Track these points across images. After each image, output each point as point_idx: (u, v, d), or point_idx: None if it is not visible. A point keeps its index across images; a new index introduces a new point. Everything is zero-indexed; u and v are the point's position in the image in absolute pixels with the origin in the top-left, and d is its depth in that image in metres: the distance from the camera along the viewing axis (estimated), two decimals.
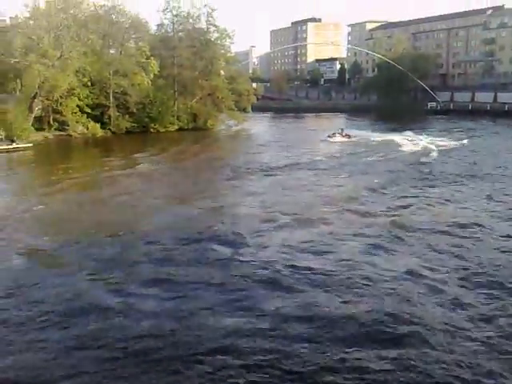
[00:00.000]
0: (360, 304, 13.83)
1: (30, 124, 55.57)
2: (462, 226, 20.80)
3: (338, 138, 53.31)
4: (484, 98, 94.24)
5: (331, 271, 16.15)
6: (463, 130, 62.97)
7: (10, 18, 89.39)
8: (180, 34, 71.53)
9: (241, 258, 17.55)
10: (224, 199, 28.08)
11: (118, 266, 17.00)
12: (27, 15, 61.08)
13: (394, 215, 22.87)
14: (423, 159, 40.07)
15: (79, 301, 14.15)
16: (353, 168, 36.87)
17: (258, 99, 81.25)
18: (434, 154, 42.50)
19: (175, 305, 13.97)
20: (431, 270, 16.20)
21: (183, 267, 16.75)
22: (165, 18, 70.53)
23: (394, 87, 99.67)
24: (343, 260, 17.17)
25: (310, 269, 16.31)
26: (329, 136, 53.83)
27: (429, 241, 19.11)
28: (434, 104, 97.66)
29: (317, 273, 15.96)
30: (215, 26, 71.71)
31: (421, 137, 54.02)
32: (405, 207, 24.54)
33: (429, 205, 24.90)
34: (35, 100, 57.26)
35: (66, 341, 12.11)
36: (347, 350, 11.55)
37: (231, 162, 41.46)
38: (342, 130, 55.96)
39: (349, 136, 54.38)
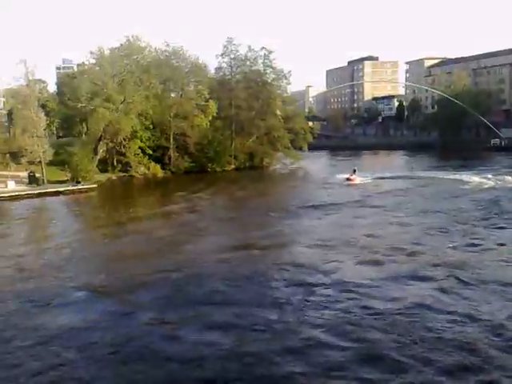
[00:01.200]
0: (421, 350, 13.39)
1: (95, 166, 58.05)
2: None
3: (356, 181, 49.67)
4: None
5: (390, 314, 15.71)
6: None
7: (77, 65, 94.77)
8: (237, 76, 73.69)
9: (301, 299, 17.35)
10: (283, 237, 27.96)
11: (177, 306, 17.04)
12: (93, 62, 64.74)
13: (455, 257, 22.06)
14: (487, 198, 38.69)
15: (134, 344, 14.18)
16: (413, 206, 36.05)
17: (314, 137, 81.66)
18: (500, 193, 40.98)
19: (235, 351, 13.66)
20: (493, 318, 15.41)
21: (243, 308, 16.61)
22: (223, 62, 73.06)
23: (455, 124, 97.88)
24: (403, 304, 16.62)
25: (371, 310, 15.97)
26: (347, 179, 50.41)
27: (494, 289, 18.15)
28: (497, 141, 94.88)
29: (378, 314, 15.60)
30: (272, 67, 73.57)
31: (484, 174, 52.42)
32: (468, 249, 23.57)
33: (494, 248, 23.83)
34: (100, 143, 60.00)
35: None
36: None
37: (288, 200, 41.79)
38: (355, 170, 52.17)
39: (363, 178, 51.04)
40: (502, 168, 60.86)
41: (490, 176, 50.91)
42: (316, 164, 76.67)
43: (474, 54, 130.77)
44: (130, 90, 59.85)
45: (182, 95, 69.58)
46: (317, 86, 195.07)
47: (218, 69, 74.45)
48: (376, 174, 54.70)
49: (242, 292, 18.39)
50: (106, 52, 63.41)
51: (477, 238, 25.50)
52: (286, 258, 22.87)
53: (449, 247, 23.86)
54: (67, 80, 79.84)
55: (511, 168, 60.03)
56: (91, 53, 63.23)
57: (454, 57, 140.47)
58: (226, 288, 18.78)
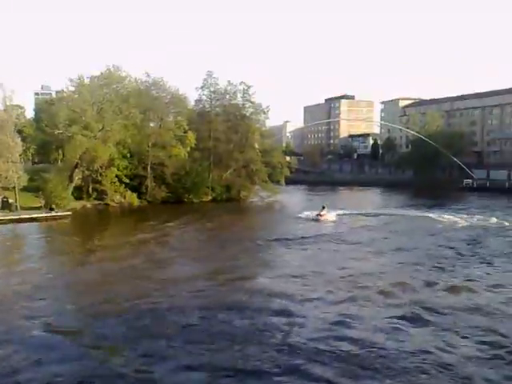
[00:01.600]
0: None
1: (70, 193, 57.26)
2: (488, 310, 19.80)
3: (325, 217, 48.39)
4: None
5: (350, 350, 15.66)
6: (499, 209, 61.67)
7: (56, 91, 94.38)
8: (217, 109, 74.28)
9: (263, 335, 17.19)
10: (250, 270, 27.85)
11: (143, 340, 16.60)
12: (72, 89, 64.48)
13: (419, 295, 22.10)
14: (459, 237, 39.07)
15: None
16: (382, 242, 36.23)
17: (291, 172, 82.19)
18: (470, 233, 41.36)
19: None
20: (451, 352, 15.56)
21: (212, 341, 16.31)
22: (203, 94, 73.66)
23: (429, 163, 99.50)
24: (364, 340, 16.59)
25: (331, 347, 15.91)
26: (318, 215, 48.96)
27: (454, 323, 18.40)
28: (469, 181, 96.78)
29: (336, 351, 15.55)
30: (251, 101, 74.36)
31: (457, 214, 53.11)
32: (431, 286, 23.70)
33: (459, 285, 23.92)
34: (76, 170, 59.34)
35: None
36: None
37: (261, 233, 41.66)
38: (324, 207, 50.50)
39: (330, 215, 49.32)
40: (473, 208, 61.78)
41: (462, 215, 51.60)
42: (293, 198, 76.81)
43: (447, 96, 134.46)
44: (109, 119, 59.65)
45: (161, 125, 69.65)
46: (294, 121, 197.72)
47: (198, 101, 75.13)
48: (349, 210, 54.91)
49: (209, 324, 18.09)
50: (86, 80, 63.49)
51: (444, 275, 25.77)
52: (252, 290, 22.82)
53: (416, 284, 23.94)
54: (45, 106, 79.40)
55: (482, 208, 61.14)
56: (71, 80, 63.21)
57: (428, 98, 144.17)
58: (192, 320, 18.54)
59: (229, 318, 18.83)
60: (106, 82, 63.21)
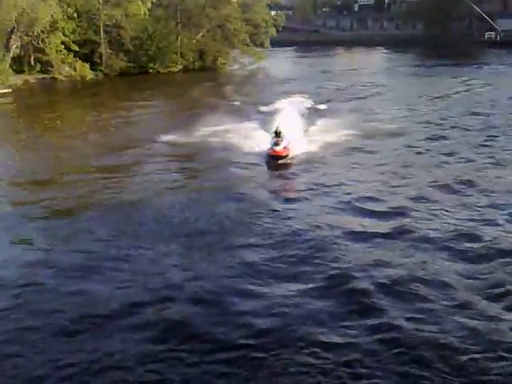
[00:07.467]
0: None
1: (8, 66, 55.45)
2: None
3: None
4: None
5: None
6: None
7: None
8: None
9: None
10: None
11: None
12: None
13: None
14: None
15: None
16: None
17: (278, 31, 79.68)
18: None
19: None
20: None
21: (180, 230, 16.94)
22: None
23: (444, 14, 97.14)
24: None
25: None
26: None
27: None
28: (492, 34, 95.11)
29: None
30: None
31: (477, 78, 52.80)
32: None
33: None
34: (12, 36, 56.78)
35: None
36: None
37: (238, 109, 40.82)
38: (278, 133, 29.31)
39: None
40: (496, 66, 61.30)
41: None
42: (281, 64, 75.16)
43: None
44: None
45: None
46: None
47: None
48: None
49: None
50: None
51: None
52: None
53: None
54: None
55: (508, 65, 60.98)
56: None
57: None
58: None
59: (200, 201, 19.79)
60: None
